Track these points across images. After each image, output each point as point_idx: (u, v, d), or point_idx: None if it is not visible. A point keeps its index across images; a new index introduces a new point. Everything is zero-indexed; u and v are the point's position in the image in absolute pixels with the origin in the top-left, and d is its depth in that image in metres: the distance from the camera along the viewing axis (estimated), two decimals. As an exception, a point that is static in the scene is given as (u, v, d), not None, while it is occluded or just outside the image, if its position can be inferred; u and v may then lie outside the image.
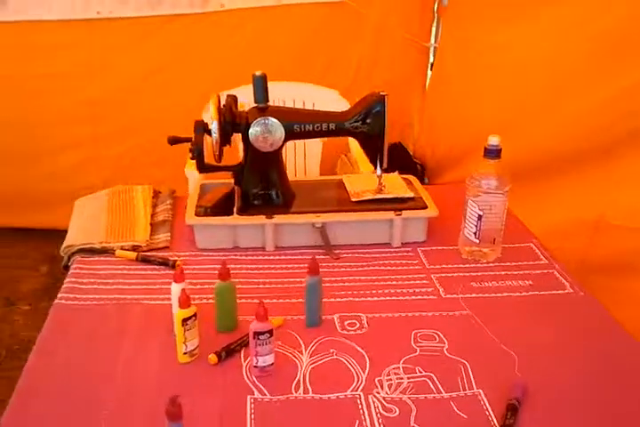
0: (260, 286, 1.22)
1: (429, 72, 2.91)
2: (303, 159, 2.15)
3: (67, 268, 1.29)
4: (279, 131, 1.31)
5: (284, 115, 1.33)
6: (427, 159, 2.87)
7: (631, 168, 1.90)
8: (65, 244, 1.33)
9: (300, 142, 2.06)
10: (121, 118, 2.65)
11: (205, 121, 1.33)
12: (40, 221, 2.72)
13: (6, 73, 2.53)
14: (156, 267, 1.27)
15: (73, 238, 1.34)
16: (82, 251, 1.31)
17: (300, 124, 1.33)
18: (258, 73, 1.31)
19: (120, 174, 2.64)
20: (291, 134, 1.33)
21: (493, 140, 1.24)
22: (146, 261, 1.28)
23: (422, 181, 2.84)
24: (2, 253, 2.68)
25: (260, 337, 0.96)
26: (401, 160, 2.77)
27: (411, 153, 2.94)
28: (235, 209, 1.34)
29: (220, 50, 2.61)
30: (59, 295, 1.18)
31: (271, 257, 1.32)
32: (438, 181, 2.76)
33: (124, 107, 2.63)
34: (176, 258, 1.29)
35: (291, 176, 1.44)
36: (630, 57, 1.84)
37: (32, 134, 2.62)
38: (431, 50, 2.86)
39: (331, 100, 2.07)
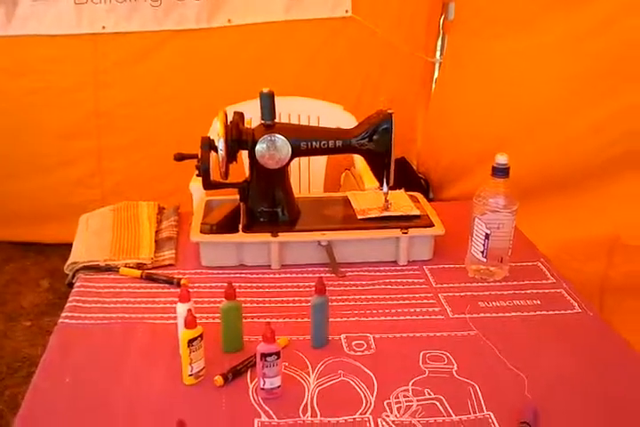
0: (266, 305, 1.21)
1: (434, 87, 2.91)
2: (307, 174, 2.14)
3: (71, 285, 1.28)
4: (285, 148, 1.31)
5: (291, 132, 1.33)
6: (430, 174, 2.87)
7: None
8: (69, 260, 1.32)
9: (304, 157, 2.06)
10: (125, 133, 2.65)
11: (212, 137, 1.32)
12: (40, 235, 2.71)
13: (11, 86, 2.53)
14: (160, 285, 1.26)
15: (77, 255, 1.33)
16: (86, 268, 1.30)
17: (306, 142, 1.33)
18: (265, 90, 1.31)
19: (123, 189, 2.65)
20: (297, 151, 1.33)
21: (501, 159, 1.23)
22: (150, 279, 1.27)
23: (427, 196, 2.85)
24: (2, 267, 2.66)
25: (267, 359, 0.94)
26: (405, 175, 2.77)
27: (414, 168, 2.94)
28: (240, 226, 1.34)
29: (227, 65, 2.61)
30: (62, 314, 1.16)
31: (277, 275, 1.31)
32: (442, 195, 2.75)
33: (129, 121, 2.63)
34: (181, 276, 1.28)
35: (295, 191, 1.43)
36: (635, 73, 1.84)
37: (35, 148, 2.62)
38: (436, 65, 2.86)
39: (335, 115, 2.08)
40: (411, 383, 1.01)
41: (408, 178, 2.75)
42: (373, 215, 1.38)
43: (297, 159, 2.04)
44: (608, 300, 1.63)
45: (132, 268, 1.29)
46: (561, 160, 2.08)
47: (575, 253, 1.87)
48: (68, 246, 1.40)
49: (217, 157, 1.30)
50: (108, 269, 1.30)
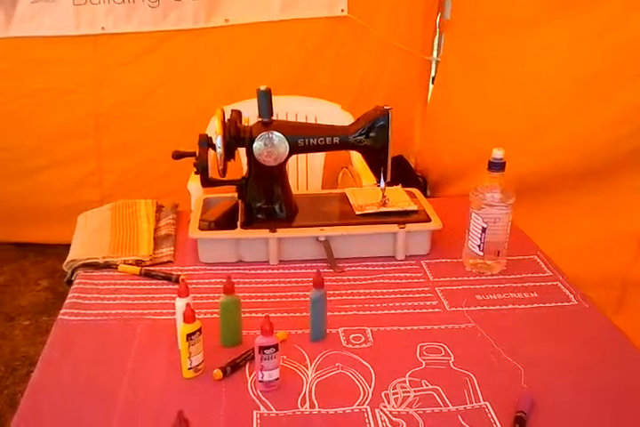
0: (264, 300, 1.22)
1: (431, 86, 2.92)
2: (305, 172, 2.15)
3: (70, 282, 1.29)
4: (283, 145, 1.32)
5: (288, 129, 1.34)
6: (428, 172, 2.88)
7: None
8: (68, 258, 1.33)
9: (302, 155, 2.07)
10: (124, 133, 2.66)
11: (209, 135, 1.33)
12: (39, 235, 2.72)
13: (11, 88, 2.54)
14: (159, 281, 1.27)
15: (76, 253, 1.34)
16: (85, 265, 1.31)
17: (304, 139, 1.34)
18: (262, 87, 1.32)
19: (121, 189, 2.66)
20: (295, 148, 1.34)
21: (497, 154, 1.24)
22: (149, 275, 1.28)
23: (424, 195, 2.86)
24: (1, 268, 2.66)
25: (265, 352, 0.95)
26: (403, 173, 2.78)
27: (412, 166, 2.95)
28: (238, 223, 1.35)
29: (224, 64, 2.63)
30: (62, 311, 1.17)
31: (275, 271, 1.32)
32: (440, 194, 2.76)
33: (128, 121, 2.64)
34: (179, 273, 1.29)
35: (293, 189, 1.44)
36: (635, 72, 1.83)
37: (34, 149, 2.63)
38: (433, 64, 2.88)
39: (333, 114, 2.08)
40: (408, 375, 1.02)
41: (406, 176, 2.76)
42: (371, 211, 1.39)
43: (295, 158, 2.08)
44: (631, 294, 1.58)
45: (130, 265, 1.30)
46: (572, 157, 2.03)
47: (600, 248, 1.82)
48: (67, 247, 1.41)
49: (215, 155, 1.31)
50: (107, 266, 1.30)
